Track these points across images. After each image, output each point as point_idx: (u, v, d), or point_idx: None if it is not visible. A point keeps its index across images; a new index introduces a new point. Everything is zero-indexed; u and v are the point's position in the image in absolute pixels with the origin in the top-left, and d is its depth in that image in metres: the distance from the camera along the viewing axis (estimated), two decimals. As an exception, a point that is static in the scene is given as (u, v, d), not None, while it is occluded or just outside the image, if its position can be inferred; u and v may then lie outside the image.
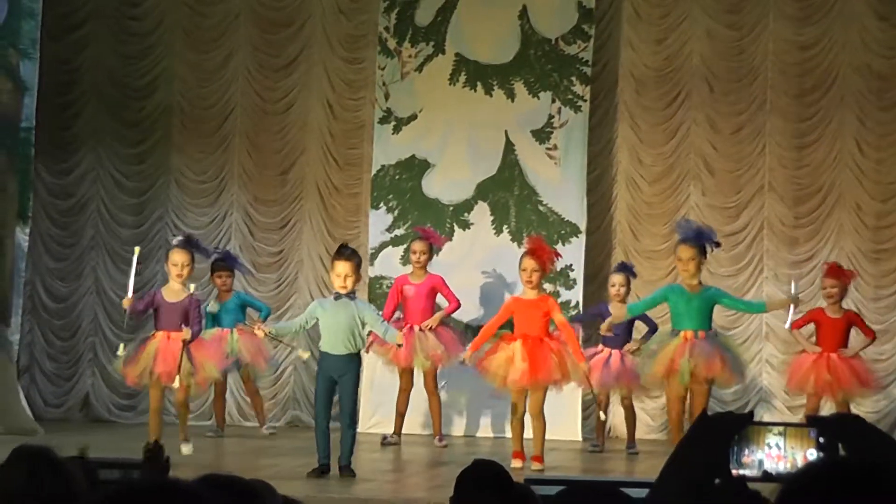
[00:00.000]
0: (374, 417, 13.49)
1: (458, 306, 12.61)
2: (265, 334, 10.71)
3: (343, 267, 10.16)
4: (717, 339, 10.78)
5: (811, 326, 12.24)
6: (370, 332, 10.63)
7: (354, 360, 10.25)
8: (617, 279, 12.50)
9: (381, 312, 11.30)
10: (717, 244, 11.05)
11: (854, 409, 12.12)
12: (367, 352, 11.57)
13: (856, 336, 12.23)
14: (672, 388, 10.65)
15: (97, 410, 14.49)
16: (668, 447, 10.67)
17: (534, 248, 11.09)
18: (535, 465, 10.79)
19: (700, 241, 10.72)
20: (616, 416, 13.28)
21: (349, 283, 10.16)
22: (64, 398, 14.59)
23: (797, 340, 12.35)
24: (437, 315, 12.50)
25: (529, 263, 10.96)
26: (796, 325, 12.15)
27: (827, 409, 12.07)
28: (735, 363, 10.77)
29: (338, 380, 10.17)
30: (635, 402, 12.77)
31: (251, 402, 13.45)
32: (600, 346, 12.27)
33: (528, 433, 11.01)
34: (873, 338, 12.21)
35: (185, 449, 11.11)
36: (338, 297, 10.21)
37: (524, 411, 10.93)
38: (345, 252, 10.31)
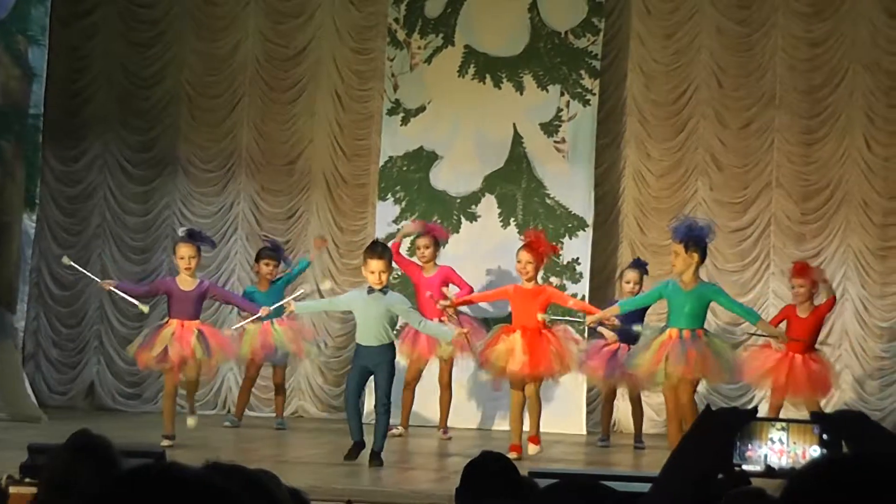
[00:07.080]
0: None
1: (472, 291, 12.55)
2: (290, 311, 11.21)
3: (377, 264, 10.41)
4: (703, 339, 10.43)
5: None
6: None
7: (389, 350, 10.51)
8: (632, 276, 12.30)
9: (413, 306, 11.31)
10: (703, 241, 10.51)
11: (859, 407, 12.10)
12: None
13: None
14: (663, 385, 10.67)
15: (102, 398, 14.49)
16: (671, 441, 10.66)
17: (529, 242, 11.21)
18: (532, 447, 10.82)
19: (686, 237, 10.49)
20: (621, 411, 13.27)
21: (384, 278, 10.43)
22: (69, 386, 14.59)
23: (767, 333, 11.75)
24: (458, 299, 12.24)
25: (524, 256, 11.10)
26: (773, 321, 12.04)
27: (832, 405, 12.07)
28: (723, 364, 10.53)
29: (373, 370, 10.44)
30: (642, 395, 12.75)
31: (275, 395, 13.27)
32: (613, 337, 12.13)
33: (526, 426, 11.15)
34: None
35: (191, 421, 11.43)
36: (370, 290, 10.45)
37: (524, 404, 10.98)
38: (377, 249, 10.60)
